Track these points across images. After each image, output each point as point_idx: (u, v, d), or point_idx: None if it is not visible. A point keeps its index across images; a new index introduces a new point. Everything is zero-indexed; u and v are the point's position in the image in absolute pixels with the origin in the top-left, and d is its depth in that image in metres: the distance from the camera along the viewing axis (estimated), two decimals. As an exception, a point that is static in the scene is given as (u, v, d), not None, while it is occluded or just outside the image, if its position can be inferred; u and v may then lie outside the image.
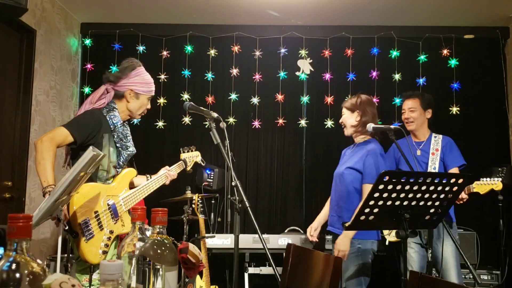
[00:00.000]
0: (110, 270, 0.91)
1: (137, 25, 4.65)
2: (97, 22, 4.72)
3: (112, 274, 0.90)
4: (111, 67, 4.54)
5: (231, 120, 4.60)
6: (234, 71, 4.61)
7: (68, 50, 4.49)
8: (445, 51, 4.56)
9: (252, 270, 3.87)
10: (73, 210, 2.09)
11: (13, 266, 0.83)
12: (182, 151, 2.80)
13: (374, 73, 4.58)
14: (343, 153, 3.04)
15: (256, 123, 4.61)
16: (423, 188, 1.92)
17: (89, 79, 4.66)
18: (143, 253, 1.14)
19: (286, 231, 4.19)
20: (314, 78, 4.66)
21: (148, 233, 1.24)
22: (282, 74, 4.61)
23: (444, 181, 1.94)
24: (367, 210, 1.94)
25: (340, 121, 2.97)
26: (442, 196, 1.99)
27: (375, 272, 4.03)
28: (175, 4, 4.26)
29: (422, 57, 4.58)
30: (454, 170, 3.16)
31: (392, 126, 2.66)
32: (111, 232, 2.24)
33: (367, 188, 2.65)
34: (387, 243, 3.31)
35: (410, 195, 1.93)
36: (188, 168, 2.78)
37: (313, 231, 2.93)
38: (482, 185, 2.97)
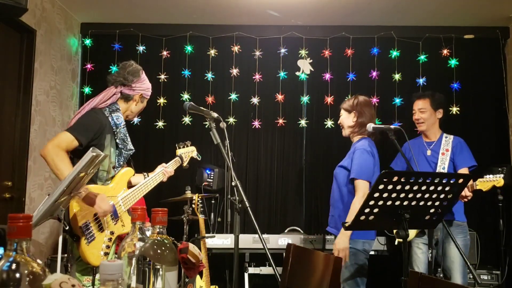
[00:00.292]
0: (110, 270, 0.91)
1: (137, 25, 4.65)
2: (97, 22, 4.72)
3: (112, 274, 0.90)
4: (111, 67, 4.54)
5: (231, 120, 4.60)
6: (234, 71, 4.61)
7: (68, 50, 4.49)
8: (445, 51, 4.56)
9: (252, 270, 3.88)
10: (73, 213, 2.10)
11: (13, 266, 0.83)
12: (177, 147, 2.80)
13: (374, 73, 4.58)
14: None
15: (256, 123, 4.61)
16: (423, 188, 1.92)
17: (89, 79, 4.66)
18: (143, 253, 1.14)
19: (286, 231, 4.19)
20: (314, 78, 4.66)
21: (148, 233, 1.24)
22: (282, 74, 4.61)
23: (444, 181, 1.94)
24: (367, 210, 1.94)
25: (338, 122, 3.02)
26: (442, 196, 1.99)
27: (375, 272, 4.05)
28: (175, 4, 4.26)
29: (422, 57, 4.58)
30: (464, 171, 3.16)
31: (392, 126, 2.68)
32: (112, 233, 2.24)
33: (357, 182, 2.70)
34: (396, 243, 3.32)
35: (410, 195, 1.93)
36: (185, 164, 2.77)
37: None
38: (485, 182, 2.98)
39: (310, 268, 1.84)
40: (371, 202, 1.91)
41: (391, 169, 3.32)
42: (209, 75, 4.64)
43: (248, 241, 3.76)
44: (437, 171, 3.18)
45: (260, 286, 4.22)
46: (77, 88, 4.70)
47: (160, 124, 4.62)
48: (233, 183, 2.15)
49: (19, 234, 0.85)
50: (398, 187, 1.88)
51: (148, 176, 2.54)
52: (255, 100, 4.61)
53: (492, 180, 2.96)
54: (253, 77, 4.62)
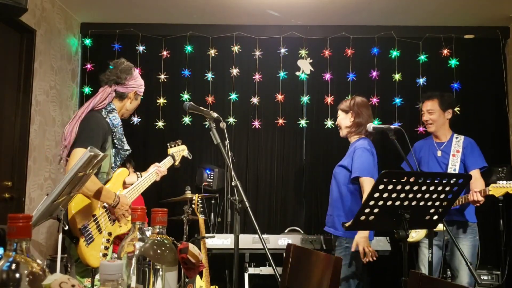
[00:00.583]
0: (110, 270, 0.90)
1: (137, 25, 4.65)
2: (97, 22, 4.72)
3: (112, 274, 0.90)
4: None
5: (231, 120, 4.60)
6: (234, 71, 4.61)
7: (68, 50, 4.49)
8: (445, 51, 4.56)
9: (252, 270, 3.87)
10: (72, 215, 2.10)
11: (13, 266, 0.83)
12: (169, 146, 2.80)
13: (374, 73, 4.58)
14: None
15: (256, 123, 4.61)
16: (423, 188, 1.92)
17: (89, 79, 4.66)
18: (143, 253, 1.14)
19: (286, 231, 4.19)
20: (314, 78, 4.66)
21: (148, 233, 1.24)
22: (282, 74, 4.61)
23: (444, 181, 1.94)
24: (367, 210, 1.94)
25: (336, 122, 3.04)
26: (442, 196, 1.99)
27: (375, 272, 4.04)
28: (175, 4, 4.26)
29: (422, 57, 4.58)
30: (475, 172, 3.16)
31: (392, 126, 2.68)
32: (110, 234, 2.24)
33: (362, 180, 2.74)
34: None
35: (410, 195, 1.93)
36: (177, 163, 2.77)
37: None
38: (498, 188, 2.97)
39: (310, 268, 1.84)
40: (371, 202, 1.91)
41: (401, 169, 3.32)
42: (209, 75, 4.63)
43: (248, 241, 3.75)
44: (448, 172, 3.18)
45: (260, 286, 4.22)
46: (77, 88, 4.70)
47: (160, 124, 4.62)
48: (233, 183, 2.15)
49: (19, 234, 0.85)
50: (398, 187, 1.88)
51: (141, 176, 2.53)
52: (255, 100, 4.60)
53: (505, 186, 2.96)
54: (253, 77, 4.62)
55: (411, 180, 1.89)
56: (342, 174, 2.85)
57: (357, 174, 2.73)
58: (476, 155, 3.21)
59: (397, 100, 4.55)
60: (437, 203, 2.01)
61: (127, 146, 2.42)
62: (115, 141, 2.35)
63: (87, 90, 4.63)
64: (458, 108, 4.49)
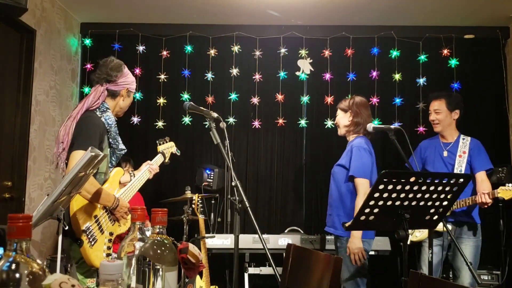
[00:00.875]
0: (110, 270, 0.90)
1: (137, 25, 4.64)
2: (97, 22, 4.72)
3: (112, 274, 0.90)
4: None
5: (231, 120, 4.60)
6: (234, 71, 4.61)
7: (68, 50, 4.49)
8: (445, 51, 4.55)
9: (252, 270, 3.87)
10: (74, 217, 2.10)
11: (13, 266, 0.83)
12: (158, 144, 2.79)
13: (374, 73, 4.58)
14: None
15: (256, 123, 4.61)
16: (423, 188, 1.92)
17: (89, 79, 4.65)
18: (143, 253, 1.14)
19: (286, 231, 4.19)
20: (314, 78, 4.66)
21: (148, 233, 1.24)
22: (282, 74, 4.61)
23: (444, 181, 1.94)
24: (367, 210, 1.94)
25: (335, 122, 3.05)
26: (442, 196, 1.99)
27: (375, 272, 4.04)
28: (175, 4, 4.26)
29: (422, 57, 4.58)
30: (481, 174, 3.17)
31: (392, 126, 2.69)
32: (111, 234, 2.25)
33: (357, 181, 2.75)
34: (408, 242, 3.32)
35: (410, 195, 1.93)
36: (166, 160, 2.77)
37: None
38: (507, 191, 2.97)
39: (310, 268, 1.84)
40: (371, 202, 1.91)
41: (407, 168, 3.33)
42: (209, 75, 4.63)
43: (248, 241, 3.75)
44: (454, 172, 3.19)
45: (260, 286, 4.22)
46: (77, 88, 4.70)
47: (160, 124, 4.62)
48: (233, 183, 2.15)
49: (19, 234, 0.85)
50: (398, 187, 1.88)
51: (134, 175, 2.53)
52: (255, 100, 4.60)
53: None
54: (253, 77, 4.62)
55: (411, 180, 1.89)
56: (340, 173, 2.86)
57: (352, 173, 2.75)
58: (482, 157, 3.21)
59: (397, 100, 4.55)
60: (437, 203, 2.01)
61: (122, 146, 2.40)
62: (110, 140, 2.34)
63: (87, 90, 4.62)
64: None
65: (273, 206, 4.62)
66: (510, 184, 3.00)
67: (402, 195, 1.91)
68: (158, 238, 1.18)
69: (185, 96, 4.61)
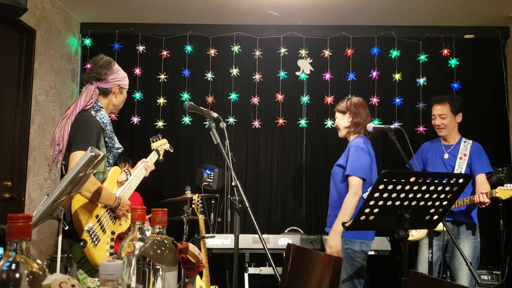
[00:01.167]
0: (110, 270, 0.90)
1: (137, 25, 4.65)
2: (97, 22, 4.72)
3: (112, 274, 0.90)
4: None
5: (231, 120, 4.60)
6: (234, 71, 4.61)
7: (68, 50, 4.49)
8: (445, 51, 4.56)
9: (252, 270, 3.87)
10: (76, 218, 2.10)
11: (13, 266, 0.83)
12: (152, 141, 2.78)
13: (374, 73, 4.58)
14: None
15: (256, 123, 4.61)
16: (423, 188, 1.92)
17: (89, 79, 4.65)
18: (143, 253, 1.14)
19: (286, 231, 4.19)
20: (314, 78, 4.66)
21: (148, 233, 1.24)
22: (282, 74, 4.61)
23: (444, 181, 1.94)
24: (367, 210, 1.94)
25: (334, 124, 3.05)
26: (442, 196, 1.99)
27: (375, 272, 4.04)
28: (175, 4, 4.26)
29: (422, 57, 4.58)
30: (481, 176, 3.17)
31: (392, 126, 2.69)
32: (113, 233, 2.25)
33: (350, 179, 2.73)
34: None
35: (410, 195, 1.93)
36: (160, 157, 2.76)
37: None
38: (505, 191, 2.98)
39: (310, 268, 1.84)
40: (371, 202, 1.91)
41: (407, 169, 3.33)
42: (209, 75, 4.63)
43: (248, 241, 3.75)
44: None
45: (260, 286, 4.22)
46: (77, 88, 4.70)
47: (160, 124, 4.62)
48: (233, 183, 2.15)
49: (19, 234, 0.85)
50: (398, 187, 1.88)
51: (130, 173, 2.53)
52: (255, 100, 4.60)
53: None
54: (253, 77, 4.62)
55: (411, 180, 1.89)
56: (339, 173, 2.86)
57: (347, 172, 2.75)
58: (483, 160, 3.22)
59: (397, 100, 4.55)
60: (437, 203, 2.01)
61: (118, 145, 2.39)
62: (106, 139, 2.32)
63: (87, 90, 4.62)
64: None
65: (273, 206, 4.62)
66: (508, 184, 3.00)
67: (402, 195, 1.91)
68: (158, 238, 1.18)
69: (185, 96, 4.61)
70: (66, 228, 1.93)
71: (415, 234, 3.27)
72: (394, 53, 4.59)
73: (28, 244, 0.86)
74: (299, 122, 4.62)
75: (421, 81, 4.56)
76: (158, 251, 1.15)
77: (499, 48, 4.59)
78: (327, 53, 4.60)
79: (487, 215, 4.33)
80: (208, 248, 3.62)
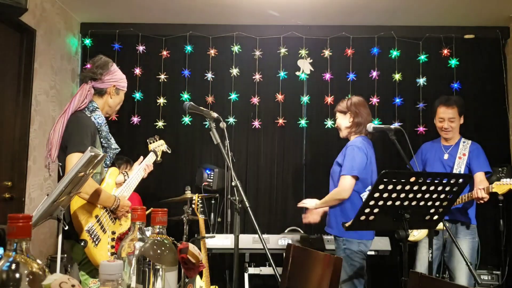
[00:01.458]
0: (110, 270, 0.91)
1: (137, 25, 4.65)
2: (97, 22, 4.72)
3: (112, 275, 0.90)
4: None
5: (231, 120, 4.60)
6: (234, 71, 4.61)
7: (68, 50, 4.49)
8: (445, 51, 4.56)
9: (252, 270, 3.87)
10: (76, 218, 2.09)
11: (13, 266, 0.83)
12: (149, 142, 2.77)
13: (374, 73, 4.58)
14: None
15: (256, 123, 4.61)
16: (423, 188, 1.92)
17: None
18: (143, 253, 1.14)
19: (286, 231, 4.18)
20: (314, 78, 4.66)
21: (148, 233, 1.24)
22: (282, 74, 4.61)
23: (444, 181, 1.94)
24: (367, 210, 1.94)
25: (336, 125, 3.06)
26: (442, 196, 1.99)
27: (375, 272, 4.04)
28: (175, 4, 4.26)
29: (422, 57, 4.58)
30: (480, 175, 3.17)
31: (392, 126, 2.69)
32: (113, 233, 2.25)
33: (342, 178, 2.77)
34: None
35: (410, 195, 1.93)
36: (158, 158, 2.75)
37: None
38: (501, 185, 2.99)
39: (310, 268, 1.84)
40: (371, 202, 1.91)
41: (408, 169, 3.34)
42: (209, 75, 4.63)
43: (248, 241, 3.75)
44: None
45: (260, 286, 4.22)
46: (77, 88, 4.70)
47: (160, 124, 4.62)
48: (233, 183, 2.15)
49: (19, 234, 0.85)
50: (398, 187, 1.88)
51: (127, 174, 2.52)
52: (255, 100, 4.60)
53: (509, 184, 2.97)
54: (253, 77, 4.62)
55: (411, 180, 1.89)
56: (337, 171, 2.88)
57: (343, 172, 2.76)
58: (481, 159, 3.23)
59: (397, 100, 4.55)
60: (437, 203, 2.01)
61: (115, 145, 2.37)
62: (101, 140, 2.30)
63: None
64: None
65: (273, 206, 4.62)
66: (504, 180, 3.01)
67: (402, 195, 1.91)
68: (158, 238, 1.18)
69: (185, 96, 4.62)
70: (66, 228, 1.93)
71: (416, 234, 3.28)
72: (394, 53, 4.59)
73: (28, 244, 0.86)
74: (299, 122, 4.62)
75: (421, 81, 4.56)
76: (158, 251, 1.15)
77: (499, 48, 4.59)
78: (327, 53, 4.60)
79: (487, 215, 4.34)
80: (208, 248, 3.62)
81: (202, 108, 2.38)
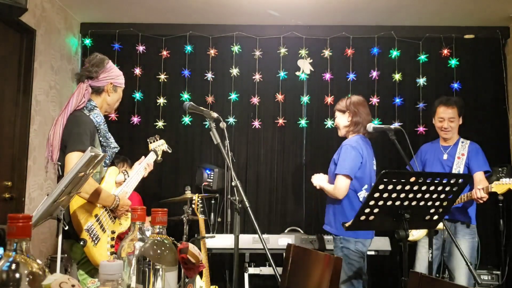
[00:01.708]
0: (110, 270, 0.90)
1: (137, 25, 4.65)
2: (97, 22, 4.72)
3: (112, 275, 0.90)
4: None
5: (231, 120, 4.60)
6: (234, 71, 4.61)
7: (68, 50, 4.49)
8: (445, 51, 4.56)
9: (252, 270, 3.87)
10: (75, 217, 2.09)
11: (13, 266, 0.83)
12: (149, 142, 2.77)
13: (374, 73, 4.58)
14: None
15: (256, 123, 4.61)
16: (423, 188, 1.92)
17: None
18: (143, 253, 1.14)
19: (286, 231, 4.18)
20: (314, 78, 4.66)
21: (148, 233, 1.24)
22: (282, 74, 4.61)
23: (444, 181, 1.94)
24: (367, 210, 1.94)
25: (334, 123, 3.05)
26: (442, 196, 1.99)
27: (375, 272, 4.04)
28: (175, 4, 4.26)
29: (422, 57, 4.58)
30: (479, 174, 3.18)
31: (392, 126, 2.69)
32: (113, 232, 2.25)
33: (337, 178, 2.79)
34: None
35: (410, 195, 1.93)
36: (159, 158, 2.74)
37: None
38: (500, 185, 2.99)
39: (310, 268, 1.84)
40: (371, 202, 1.91)
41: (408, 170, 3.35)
42: (209, 75, 4.63)
43: (248, 241, 3.75)
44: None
45: (260, 286, 4.22)
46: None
47: (160, 124, 4.62)
48: (233, 183, 2.15)
49: (19, 234, 0.85)
50: (398, 187, 1.88)
51: (127, 173, 2.51)
52: (255, 100, 4.60)
53: (508, 183, 2.98)
54: (253, 77, 4.62)
55: (411, 180, 1.89)
56: (332, 170, 2.89)
57: (336, 171, 2.78)
58: (480, 159, 3.24)
59: (397, 100, 4.55)
60: (437, 203, 2.01)
61: (114, 144, 2.36)
62: (101, 138, 2.30)
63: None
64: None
65: (273, 206, 4.62)
66: (504, 179, 3.01)
67: (402, 195, 1.91)
68: (158, 238, 1.18)
69: (185, 96, 4.61)
70: (66, 228, 1.93)
71: (415, 233, 3.28)
72: (394, 53, 4.59)
73: (28, 244, 0.86)
74: (299, 122, 4.62)
75: (421, 81, 4.56)
76: (158, 251, 1.15)
77: (499, 48, 4.59)
78: (327, 53, 4.60)
79: (487, 215, 4.34)
80: (208, 248, 3.62)
81: (202, 108, 2.38)
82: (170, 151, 2.91)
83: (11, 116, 3.69)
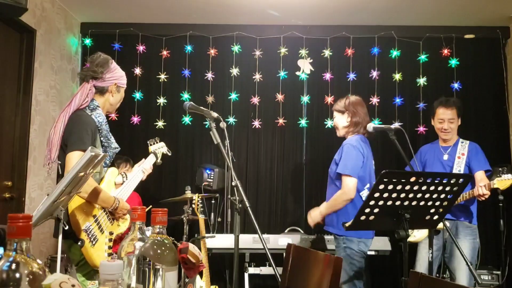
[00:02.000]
0: (109, 270, 0.90)
1: (137, 25, 4.64)
2: (97, 22, 4.72)
3: (112, 274, 0.90)
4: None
5: (231, 120, 4.60)
6: (234, 71, 4.61)
7: (68, 50, 4.49)
8: (445, 51, 4.55)
9: (252, 270, 3.87)
10: (74, 218, 2.09)
11: (13, 266, 0.83)
12: (149, 144, 2.77)
13: (374, 73, 4.58)
14: None
15: (256, 123, 4.61)
16: (423, 188, 1.92)
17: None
18: (143, 253, 1.14)
19: (286, 231, 4.18)
20: (314, 78, 4.66)
21: (148, 233, 1.24)
22: (282, 74, 4.61)
23: (444, 181, 1.94)
24: (367, 210, 1.94)
25: (333, 124, 3.04)
26: (442, 196, 1.99)
27: (375, 272, 4.04)
28: (175, 4, 4.26)
29: (423, 57, 4.58)
30: (480, 173, 3.19)
31: (392, 126, 2.69)
32: (111, 233, 2.24)
33: (343, 179, 2.76)
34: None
35: (411, 195, 1.93)
36: (158, 160, 2.73)
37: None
38: (503, 181, 3.00)
39: (310, 268, 1.83)
40: (371, 202, 1.91)
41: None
42: (209, 75, 4.63)
43: (248, 241, 3.75)
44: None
45: (260, 286, 4.22)
46: (77, 88, 4.69)
47: (160, 124, 4.62)
48: (233, 183, 2.15)
49: (19, 234, 0.85)
50: (399, 187, 1.88)
51: (126, 176, 2.51)
52: (255, 100, 4.60)
53: (510, 179, 2.99)
54: (253, 77, 4.62)
55: (411, 180, 1.89)
56: (333, 170, 2.88)
57: (339, 170, 2.77)
58: (480, 158, 3.25)
59: (397, 100, 4.55)
60: (437, 203, 2.01)
61: (115, 144, 2.36)
62: (102, 138, 2.29)
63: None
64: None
65: (273, 206, 4.62)
66: (505, 175, 3.01)
67: (402, 195, 1.91)
68: (158, 238, 1.18)
69: (185, 96, 4.61)
70: (66, 228, 1.93)
71: (417, 234, 3.28)
72: (394, 53, 4.59)
73: (28, 244, 0.86)
74: (299, 122, 4.62)
75: (421, 81, 4.56)
76: (158, 251, 1.15)
77: (499, 48, 4.59)
78: (327, 53, 4.60)
79: (487, 215, 4.34)
80: (208, 248, 3.62)
81: (202, 108, 2.38)
82: (170, 154, 2.91)
83: (11, 116, 3.69)
